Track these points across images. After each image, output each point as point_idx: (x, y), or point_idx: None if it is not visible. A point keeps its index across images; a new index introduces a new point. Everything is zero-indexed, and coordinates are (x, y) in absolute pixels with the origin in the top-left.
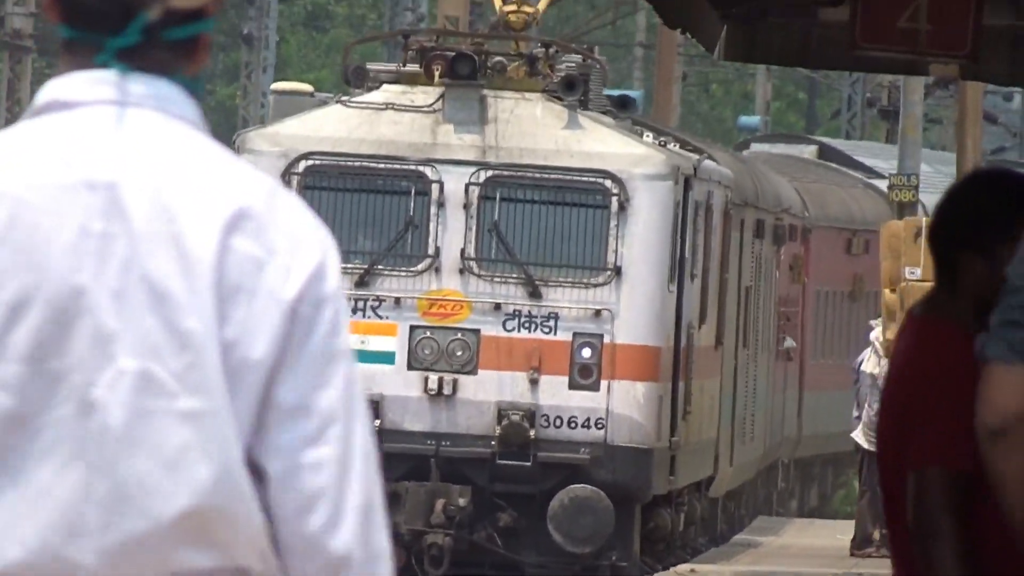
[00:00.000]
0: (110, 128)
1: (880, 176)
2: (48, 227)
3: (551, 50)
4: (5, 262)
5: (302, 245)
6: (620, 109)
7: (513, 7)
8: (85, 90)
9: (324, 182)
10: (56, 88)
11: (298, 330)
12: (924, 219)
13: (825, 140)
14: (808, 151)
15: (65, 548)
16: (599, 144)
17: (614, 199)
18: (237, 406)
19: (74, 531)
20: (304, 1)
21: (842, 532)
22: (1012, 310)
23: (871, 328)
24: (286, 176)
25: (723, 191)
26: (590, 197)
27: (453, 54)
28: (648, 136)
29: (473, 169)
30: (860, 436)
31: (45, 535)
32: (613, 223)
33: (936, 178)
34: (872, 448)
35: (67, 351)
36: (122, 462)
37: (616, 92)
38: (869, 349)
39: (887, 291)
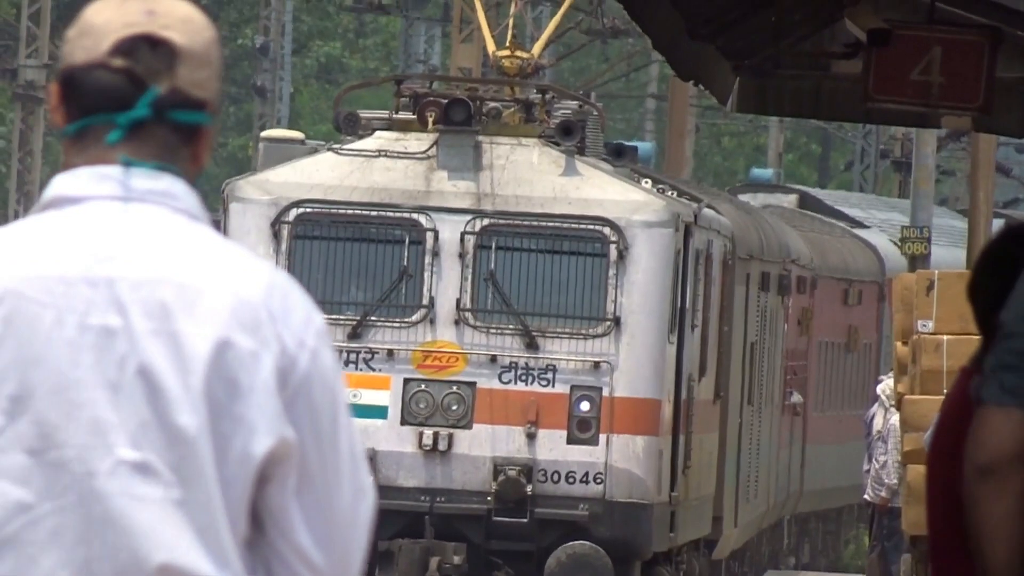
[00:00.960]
0: (112, 224)
1: (863, 226)
2: (49, 321)
3: (547, 95)
4: (7, 357)
5: (298, 337)
6: (617, 157)
7: (507, 52)
8: (90, 185)
9: (315, 231)
10: (62, 184)
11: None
12: (936, 272)
13: (805, 189)
14: (788, 200)
15: None
16: (597, 191)
17: (613, 247)
18: (232, 495)
19: None
20: (317, 54)
21: None
22: (1007, 354)
23: (879, 381)
24: (276, 225)
25: (723, 241)
26: (588, 245)
27: (447, 100)
28: (647, 183)
29: (468, 217)
30: (869, 490)
31: None
32: (612, 272)
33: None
34: (878, 501)
35: (68, 442)
36: (123, 547)
37: (629, 143)
38: (876, 403)
39: (899, 344)
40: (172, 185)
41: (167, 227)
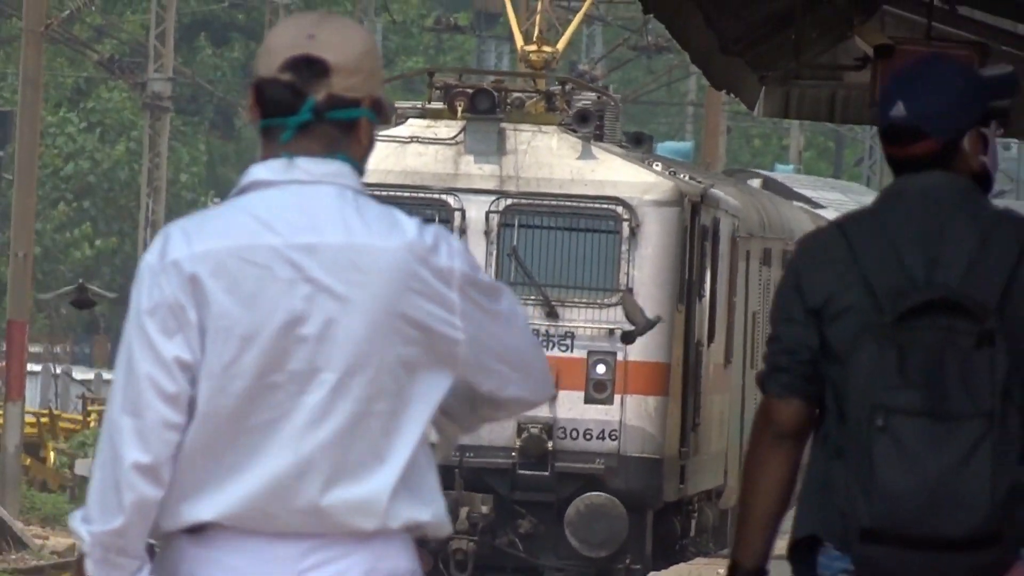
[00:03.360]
0: (302, 200)
1: (820, 206)
2: (265, 279)
3: (567, 87)
4: (236, 307)
5: (449, 259)
6: (635, 145)
7: (534, 47)
8: (279, 172)
9: None
10: (257, 171)
11: (467, 306)
12: None
13: (768, 174)
14: (755, 183)
15: (270, 506)
16: (611, 173)
17: (625, 224)
18: (414, 404)
19: (284, 494)
20: (401, 68)
21: None
22: (778, 356)
23: None
24: None
25: (730, 219)
26: (603, 223)
27: (473, 90)
28: (658, 166)
29: (493, 198)
30: None
31: (262, 493)
32: (624, 247)
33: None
34: None
35: (284, 369)
36: (326, 447)
37: (669, 143)
38: None
39: None
40: (339, 168)
41: (341, 200)
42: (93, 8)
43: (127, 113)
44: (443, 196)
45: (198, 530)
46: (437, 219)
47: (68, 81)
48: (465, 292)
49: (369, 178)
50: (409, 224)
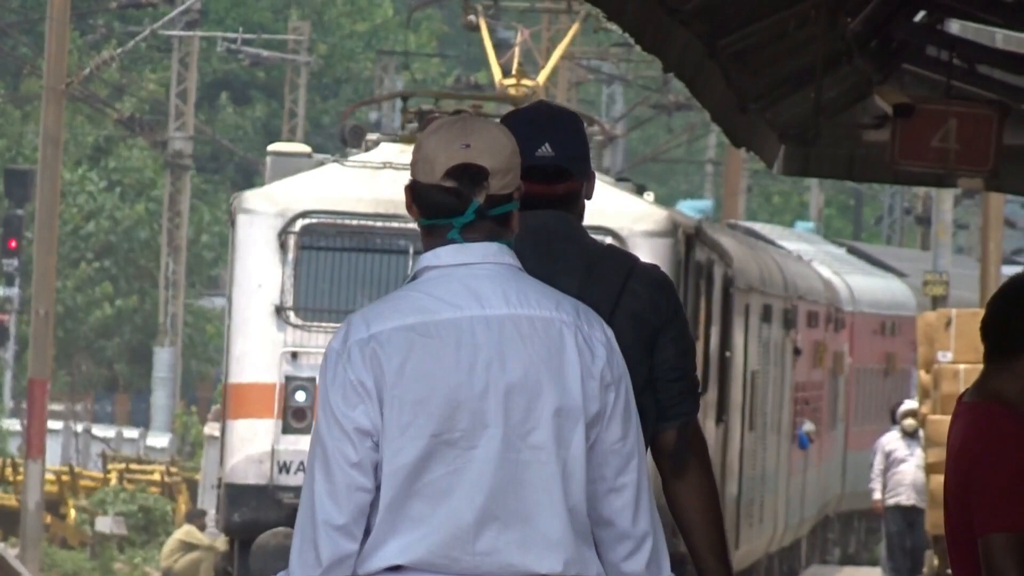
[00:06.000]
0: (468, 279)
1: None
2: (433, 348)
3: None
4: (409, 376)
5: (600, 339)
6: (619, 182)
7: (513, 80)
8: (451, 257)
9: (322, 241)
10: (428, 259)
11: (610, 396)
12: (954, 311)
13: (744, 224)
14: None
15: (453, 551)
16: (600, 202)
17: None
18: (573, 453)
19: (465, 541)
20: None
21: None
22: (688, 399)
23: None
24: (283, 235)
25: (723, 265)
26: None
27: (452, 114)
28: (649, 196)
29: None
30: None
31: (446, 540)
32: None
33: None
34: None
35: (455, 428)
36: (499, 495)
37: (688, 202)
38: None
39: (922, 372)
40: (499, 250)
41: (508, 277)
42: (113, 66)
43: (148, 172)
44: (417, 225)
45: (394, 569)
46: (412, 250)
47: (88, 139)
48: (605, 360)
49: (339, 207)
50: (564, 298)
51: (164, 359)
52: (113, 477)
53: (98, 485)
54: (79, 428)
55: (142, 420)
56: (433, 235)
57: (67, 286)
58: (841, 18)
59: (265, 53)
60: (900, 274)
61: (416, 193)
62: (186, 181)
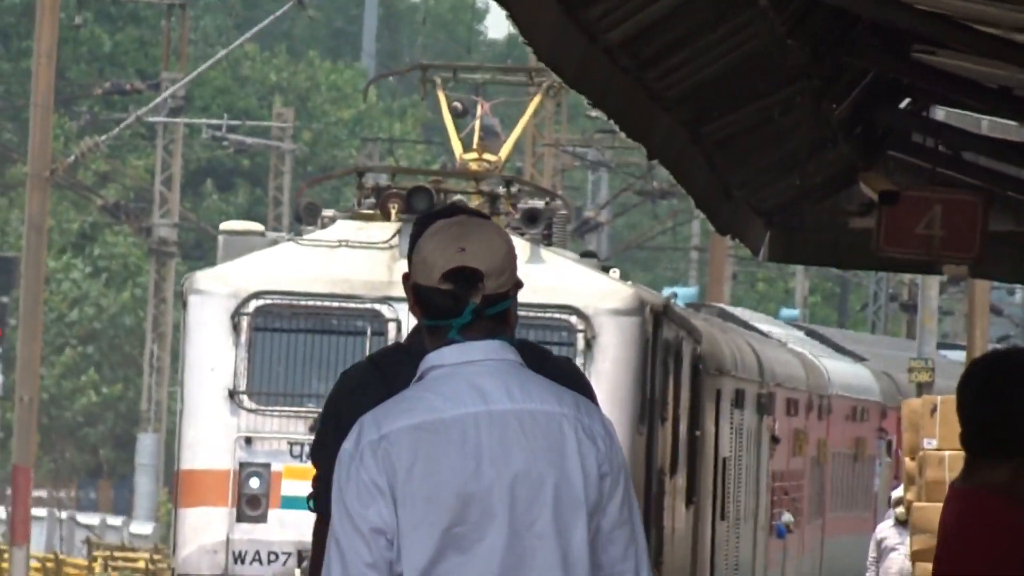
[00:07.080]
0: (472, 377)
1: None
2: (441, 445)
3: (513, 188)
4: (418, 474)
5: (600, 432)
6: (583, 258)
7: (474, 155)
8: (454, 357)
9: (276, 323)
10: (435, 358)
11: (608, 485)
12: (939, 397)
13: (718, 305)
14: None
15: None
16: (563, 279)
17: (580, 335)
18: (575, 541)
19: None
20: None
21: None
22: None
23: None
24: (236, 317)
25: (692, 343)
26: (555, 334)
27: (409, 190)
28: (615, 273)
29: None
30: None
31: None
32: (580, 360)
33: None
34: None
35: (464, 521)
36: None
37: (672, 289)
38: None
39: (908, 459)
40: (501, 347)
41: (509, 372)
42: (98, 154)
43: (132, 258)
44: (375, 305)
45: None
46: (369, 331)
47: (73, 226)
48: (605, 451)
49: (293, 287)
50: (565, 392)
51: (147, 445)
52: (98, 565)
53: (83, 573)
54: (63, 515)
55: (125, 507)
56: (435, 335)
57: (52, 373)
58: (826, 104)
59: (249, 140)
60: (859, 358)
61: (417, 295)
62: (171, 268)
